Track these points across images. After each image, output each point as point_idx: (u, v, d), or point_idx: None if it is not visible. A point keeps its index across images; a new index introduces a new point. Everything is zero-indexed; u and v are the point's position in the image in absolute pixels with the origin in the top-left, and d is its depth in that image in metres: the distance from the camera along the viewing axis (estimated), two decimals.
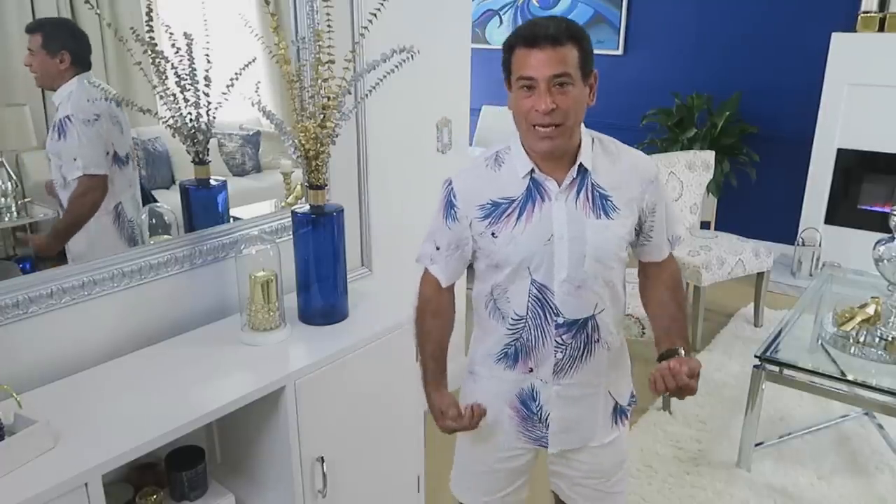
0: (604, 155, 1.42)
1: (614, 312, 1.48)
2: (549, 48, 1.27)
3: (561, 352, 1.44)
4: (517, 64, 1.31)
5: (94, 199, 1.77)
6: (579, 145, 1.39)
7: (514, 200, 1.39)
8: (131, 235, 1.85)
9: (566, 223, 1.38)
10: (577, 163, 1.38)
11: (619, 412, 1.58)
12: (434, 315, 1.57)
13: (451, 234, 1.46)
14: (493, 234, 1.40)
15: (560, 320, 1.42)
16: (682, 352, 1.39)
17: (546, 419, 1.51)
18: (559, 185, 1.38)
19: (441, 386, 1.58)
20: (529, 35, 1.28)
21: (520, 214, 1.39)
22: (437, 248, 1.50)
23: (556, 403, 1.49)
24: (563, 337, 1.43)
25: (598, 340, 1.46)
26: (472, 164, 1.48)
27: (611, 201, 1.40)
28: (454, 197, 1.44)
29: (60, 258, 1.71)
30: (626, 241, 1.44)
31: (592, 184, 1.39)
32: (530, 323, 1.44)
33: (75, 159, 1.71)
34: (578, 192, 1.39)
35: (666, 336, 1.45)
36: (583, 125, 1.40)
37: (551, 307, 1.41)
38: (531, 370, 1.48)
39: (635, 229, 1.46)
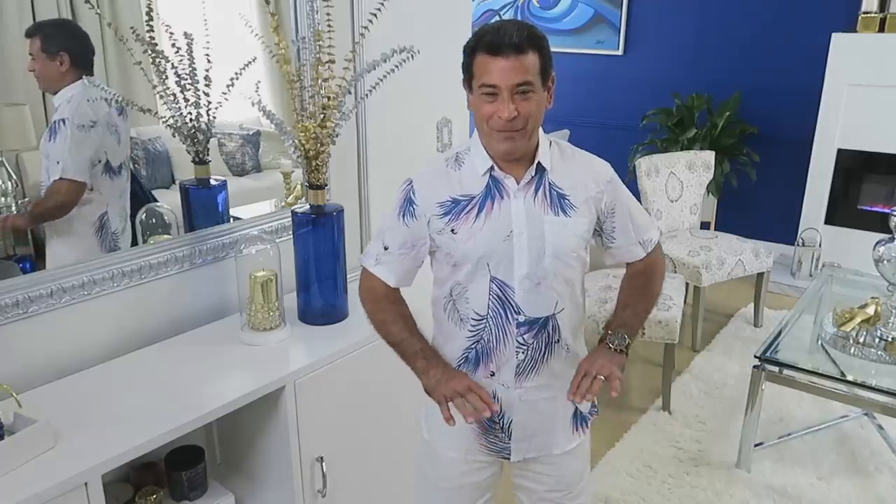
0: (560, 157, 1.45)
1: (574, 314, 1.49)
2: (513, 56, 1.28)
3: (523, 353, 1.45)
4: (479, 70, 1.32)
5: (61, 203, 1.73)
6: (537, 146, 1.42)
7: (474, 197, 1.41)
8: (112, 246, 1.82)
9: (525, 220, 1.40)
10: (536, 161, 1.41)
11: (579, 419, 1.57)
12: (390, 301, 1.50)
13: (408, 232, 1.45)
14: (452, 230, 1.41)
15: (521, 319, 1.43)
16: (622, 340, 1.45)
17: (508, 427, 1.51)
18: (518, 183, 1.40)
19: (437, 357, 1.46)
20: (493, 43, 1.29)
21: (479, 211, 1.40)
22: (386, 248, 1.48)
23: (518, 409, 1.49)
24: (525, 336, 1.44)
25: (559, 341, 1.47)
26: (432, 165, 1.49)
27: (568, 200, 1.42)
28: (414, 194, 1.44)
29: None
30: (585, 240, 1.46)
31: (550, 182, 1.42)
32: (491, 323, 1.44)
33: (58, 162, 1.71)
34: (536, 190, 1.41)
35: (617, 316, 1.52)
36: (541, 130, 1.42)
37: (512, 305, 1.42)
38: (493, 374, 1.47)
39: (595, 229, 1.49)
